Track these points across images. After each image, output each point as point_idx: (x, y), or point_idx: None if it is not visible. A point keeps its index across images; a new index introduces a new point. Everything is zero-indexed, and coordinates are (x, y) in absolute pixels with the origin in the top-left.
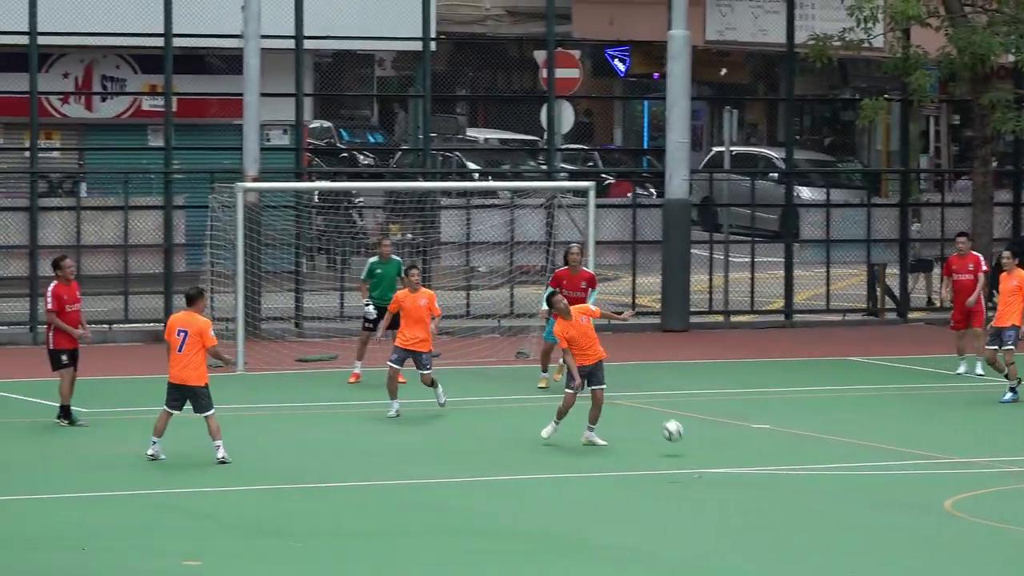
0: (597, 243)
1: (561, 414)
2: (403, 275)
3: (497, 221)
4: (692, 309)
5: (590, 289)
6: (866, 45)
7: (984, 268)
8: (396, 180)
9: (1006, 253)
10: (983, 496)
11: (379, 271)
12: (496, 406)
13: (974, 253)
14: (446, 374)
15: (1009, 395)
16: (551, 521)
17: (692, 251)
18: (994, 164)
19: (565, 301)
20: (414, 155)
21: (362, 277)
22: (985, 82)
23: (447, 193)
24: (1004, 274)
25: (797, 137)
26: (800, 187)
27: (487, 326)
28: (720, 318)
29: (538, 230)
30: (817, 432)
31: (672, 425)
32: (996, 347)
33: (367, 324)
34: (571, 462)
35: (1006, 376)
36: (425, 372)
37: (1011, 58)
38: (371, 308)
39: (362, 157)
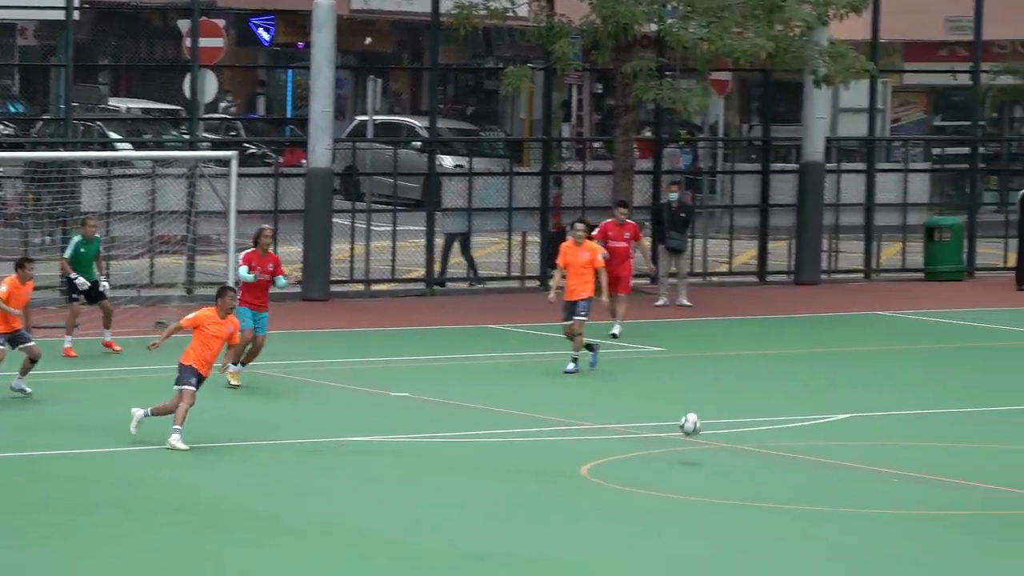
0: (239, 212)
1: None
2: None
3: (139, 191)
4: (333, 278)
5: (633, 241)
6: (510, 14)
7: (640, 237)
8: (37, 150)
9: (579, 225)
10: (617, 461)
11: (83, 250)
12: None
13: (631, 222)
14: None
15: (571, 365)
16: (188, 490)
17: (334, 220)
18: (648, 133)
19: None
20: (55, 125)
21: (66, 255)
22: (628, 51)
23: (88, 163)
24: (574, 246)
25: (440, 106)
26: (443, 156)
27: (126, 296)
28: (361, 287)
29: (179, 200)
30: (457, 400)
31: (692, 417)
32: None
33: (75, 295)
34: (216, 432)
35: (589, 347)
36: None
37: (653, 27)
38: (82, 280)
39: (2, 127)
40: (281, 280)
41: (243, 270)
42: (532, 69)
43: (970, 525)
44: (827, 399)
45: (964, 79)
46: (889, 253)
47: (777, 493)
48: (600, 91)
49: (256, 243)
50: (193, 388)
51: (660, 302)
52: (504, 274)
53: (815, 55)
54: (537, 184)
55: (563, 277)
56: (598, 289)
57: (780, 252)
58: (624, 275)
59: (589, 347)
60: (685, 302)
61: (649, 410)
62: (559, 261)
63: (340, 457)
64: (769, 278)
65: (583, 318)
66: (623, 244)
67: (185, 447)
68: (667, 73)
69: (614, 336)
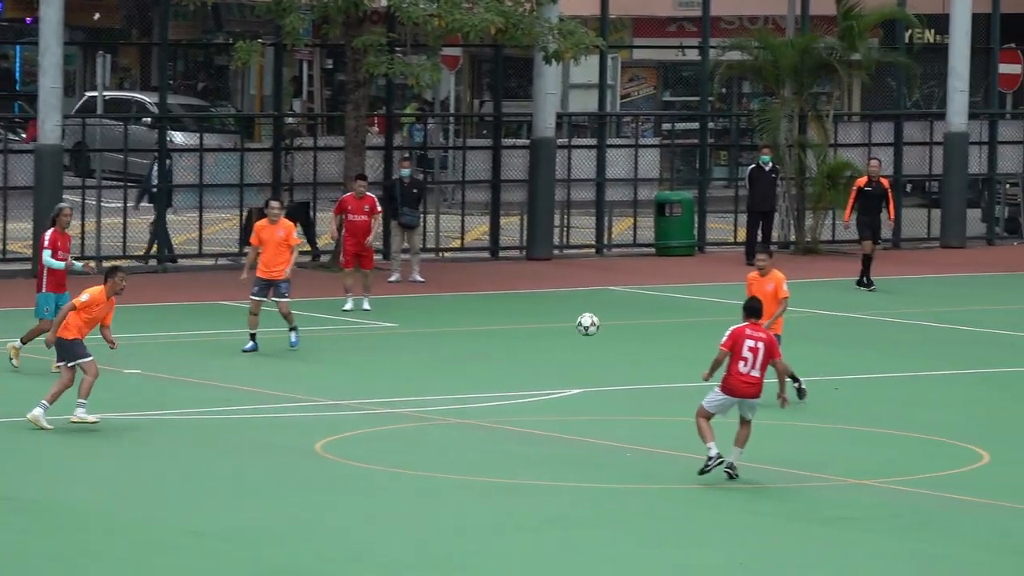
0: None
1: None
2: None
3: None
4: None
5: (373, 215)
6: None
7: (378, 210)
8: None
9: (273, 203)
10: (351, 438)
11: None
12: None
13: (370, 195)
14: None
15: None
16: None
17: (65, 197)
18: (388, 110)
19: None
20: None
21: None
22: (358, 26)
23: None
24: (268, 224)
25: (171, 82)
26: (173, 132)
27: None
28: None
29: None
30: (191, 376)
31: (587, 319)
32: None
33: None
34: None
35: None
36: None
37: (384, 3)
38: None
39: None
40: (77, 265)
41: (47, 254)
42: (262, 44)
43: (699, 495)
44: (559, 375)
45: (693, 55)
46: (620, 228)
47: (509, 468)
48: (331, 67)
49: (55, 223)
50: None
51: (393, 278)
52: (237, 251)
53: (545, 31)
54: (269, 160)
55: (257, 255)
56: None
57: (512, 228)
58: (367, 250)
59: (293, 328)
60: (418, 278)
61: (382, 386)
62: (252, 240)
63: (66, 434)
64: (501, 254)
65: (286, 299)
66: (363, 218)
67: (94, 419)
68: (398, 48)
69: (366, 310)
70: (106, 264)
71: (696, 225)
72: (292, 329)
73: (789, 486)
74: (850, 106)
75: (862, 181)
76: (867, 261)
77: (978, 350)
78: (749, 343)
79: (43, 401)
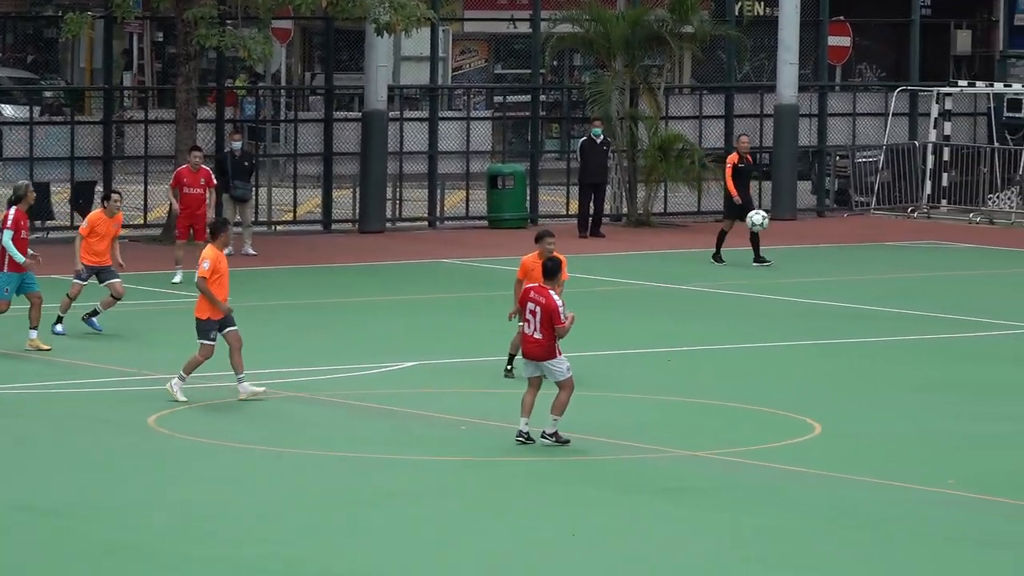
0: None
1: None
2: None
3: None
4: None
5: (208, 187)
6: None
7: (214, 183)
8: None
9: (115, 195)
10: (185, 411)
11: None
12: None
13: (205, 168)
14: None
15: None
16: None
17: None
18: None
19: None
20: None
21: None
22: None
23: None
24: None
25: (0, 55)
26: (3, 105)
27: None
28: None
29: None
30: (21, 352)
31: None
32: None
33: None
34: None
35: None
36: None
37: None
38: None
39: None
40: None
41: (7, 235)
42: (92, 17)
43: (537, 471)
44: (393, 347)
45: (524, 27)
46: (453, 201)
47: (350, 441)
48: (161, 39)
49: (19, 200)
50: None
51: (225, 251)
52: (68, 224)
53: (376, 3)
54: (100, 133)
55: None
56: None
57: (345, 200)
58: (200, 224)
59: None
60: (250, 251)
61: (215, 360)
62: (84, 230)
63: None
64: (334, 227)
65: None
66: (199, 190)
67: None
68: (228, 21)
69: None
70: None
71: (528, 198)
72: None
73: (623, 457)
74: (681, 79)
75: (734, 158)
76: (722, 236)
77: (810, 321)
78: (530, 305)
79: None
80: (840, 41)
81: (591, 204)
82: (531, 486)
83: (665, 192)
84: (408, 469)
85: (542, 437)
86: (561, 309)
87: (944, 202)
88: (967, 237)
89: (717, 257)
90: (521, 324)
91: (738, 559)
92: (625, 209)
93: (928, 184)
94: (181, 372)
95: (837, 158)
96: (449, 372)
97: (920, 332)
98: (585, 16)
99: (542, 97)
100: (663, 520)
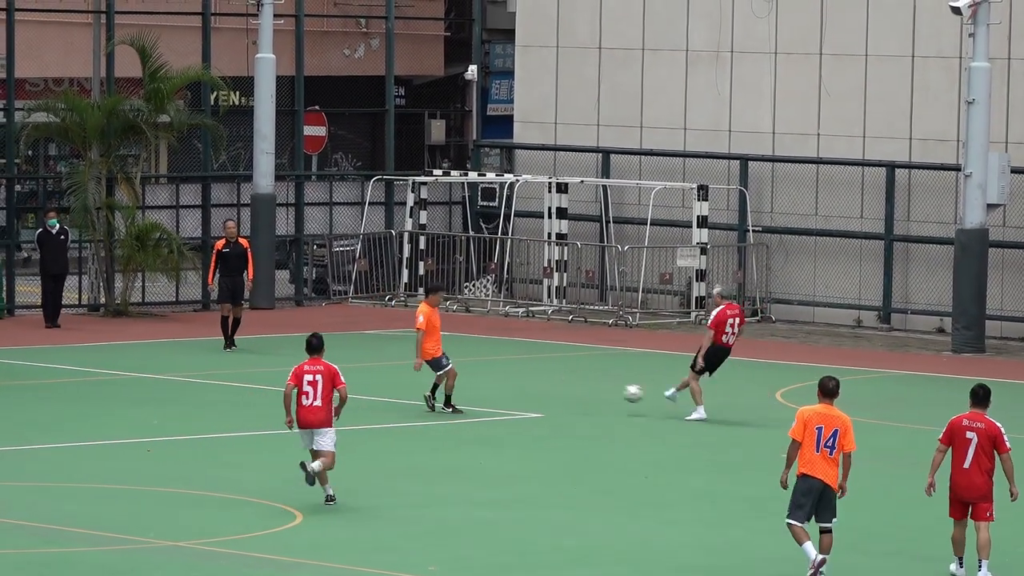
0: None
1: None
2: None
3: None
4: None
5: None
6: None
7: None
8: None
9: None
10: None
11: None
12: None
13: None
14: None
15: None
16: None
17: None
18: None
19: None
20: None
21: None
22: None
23: None
24: None
25: None
26: None
27: None
28: None
29: None
30: None
31: (633, 388)
32: None
33: None
34: None
35: None
36: None
37: None
38: None
39: None
40: None
41: None
42: None
43: (19, 562)
44: None
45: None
46: None
47: None
48: None
49: None
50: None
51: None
52: None
53: None
54: None
55: None
56: None
57: None
58: None
59: None
60: None
61: None
62: None
63: None
64: None
65: None
66: None
67: None
68: None
69: None
70: None
71: (5, 288)
72: None
73: (108, 549)
74: (158, 168)
75: (220, 243)
76: (224, 323)
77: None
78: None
79: None
80: (316, 131)
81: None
82: None
83: (143, 282)
84: None
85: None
86: None
87: (421, 290)
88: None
89: (230, 344)
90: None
91: None
92: (103, 299)
93: (405, 272)
94: None
95: (315, 247)
96: None
97: (396, 420)
98: (60, 105)
99: (17, 187)
100: None
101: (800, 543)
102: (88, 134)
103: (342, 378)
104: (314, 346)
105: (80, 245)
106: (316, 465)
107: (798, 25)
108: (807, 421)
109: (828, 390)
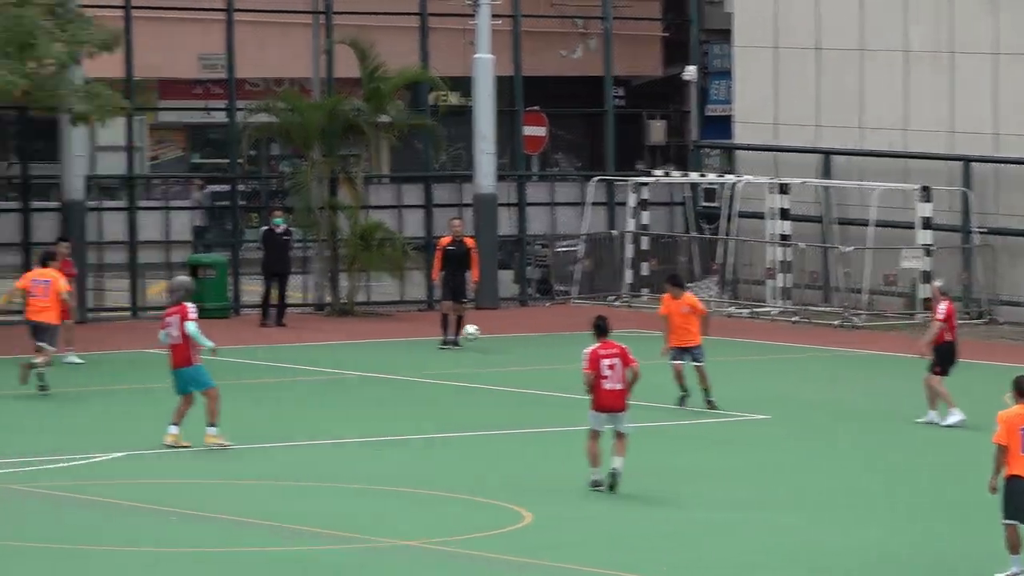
0: None
1: None
2: None
3: None
4: None
5: None
6: None
7: None
8: None
9: None
10: None
11: None
12: None
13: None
14: None
15: None
16: None
17: None
18: None
19: None
20: None
21: None
22: None
23: None
24: None
25: None
26: None
27: None
28: None
29: None
30: None
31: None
32: None
33: None
34: None
35: None
36: None
37: None
38: None
39: None
40: None
41: None
42: None
43: (254, 561)
44: (96, 438)
45: (221, 116)
46: (155, 290)
47: (70, 535)
48: None
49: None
50: None
51: None
52: None
53: (70, 93)
54: None
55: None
56: None
57: None
58: None
59: None
60: None
61: None
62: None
63: None
64: None
65: None
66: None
67: None
68: None
69: None
70: None
71: (230, 287)
72: None
73: (343, 548)
74: (380, 168)
75: (446, 240)
76: (445, 320)
77: (513, 409)
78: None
79: None
80: (536, 131)
81: (272, 293)
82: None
83: (368, 281)
84: (117, 560)
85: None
86: None
87: (645, 291)
88: None
89: (447, 342)
90: None
91: None
92: (328, 298)
93: (628, 273)
94: None
95: (538, 247)
96: (155, 462)
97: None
98: (281, 105)
99: (240, 187)
100: None
101: (1013, 550)
102: (309, 134)
103: (632, 355)
104: (604, 328)
105: (304, 245)
106: (618, 464)
107: (1021, 24)
108: (1009, 424)
109: (1022, 389)
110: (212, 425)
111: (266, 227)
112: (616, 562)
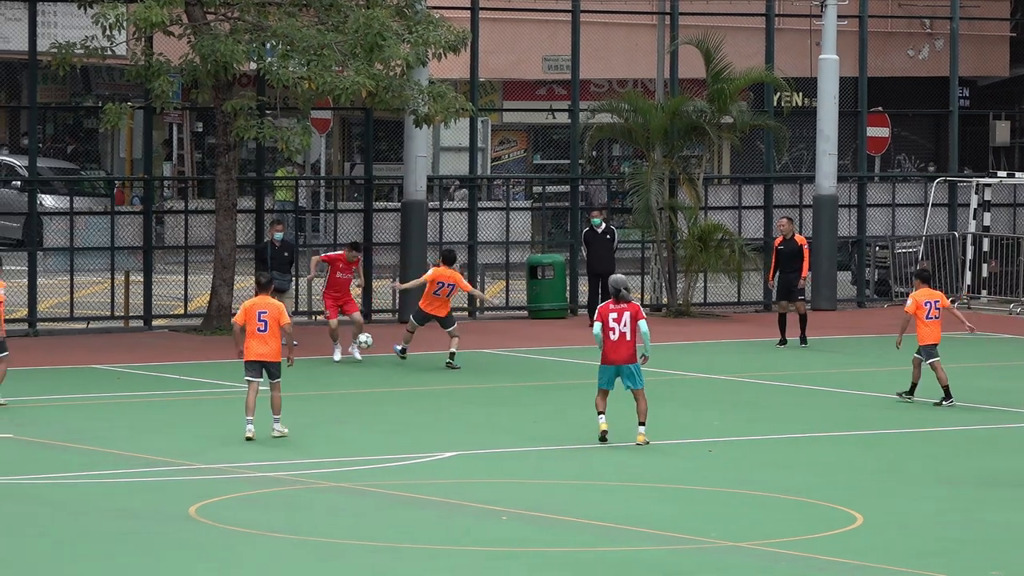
0: None
1: None
2: None
3: None
4: None
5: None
6: (109, 52)
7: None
8: None
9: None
10: (226, 501)
11: None
12: None
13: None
14: None
15: None
16: None
17: None
18: (259, 173)
19: None
20: None
21: None
22: (228, 89)
23: None
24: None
25: (40, 145)
26: (44, 195)
27: None
28: None
29: None
30: (60, 440)
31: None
32: None
33: None
34: None
35: None
36: None
37: (253, 66)
38: None
39: None
40: None
41: None
42: (131, 107)
43: (582, 561)
44: (432, 437)
45: (563, 117)
46: (493, 291)
47: (392, 532)
48: (201, 130)
49: None
50: None
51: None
52: (108, 313)
53: (415, 94)
54: (139, 223)
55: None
56: None
57: (384, 291)
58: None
59: None
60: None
61: (255, 450)
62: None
63: None
64: (374, 317)
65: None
66: (348, 276)
67: None
68: (267, 112)
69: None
70: None
71: (568, 288)
72: None
73: (665, 548)
74: (720, 169)
75: (778, 240)
76: (782, 320)
77: (848, 411)
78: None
79: None
80: (879, 132)
81: (600, 293)
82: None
83: (705, 282)
84: (458, 560)
85: None
86: None
87: (984, 292)
88: (1007, 328)
89: (785, 341)
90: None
91: None
92: (665, 299)
93: (968, 274)
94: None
95: (877, 248)
96: (488, 462)
97: (961, 423)
98: (624, 106)
99: (581, 187)
100: None
101: None
102: (651, 135)
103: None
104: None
105: (643, 246)
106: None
107: None
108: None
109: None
110: (642, 424)
111: (587, 228)
112: (944, 566)
